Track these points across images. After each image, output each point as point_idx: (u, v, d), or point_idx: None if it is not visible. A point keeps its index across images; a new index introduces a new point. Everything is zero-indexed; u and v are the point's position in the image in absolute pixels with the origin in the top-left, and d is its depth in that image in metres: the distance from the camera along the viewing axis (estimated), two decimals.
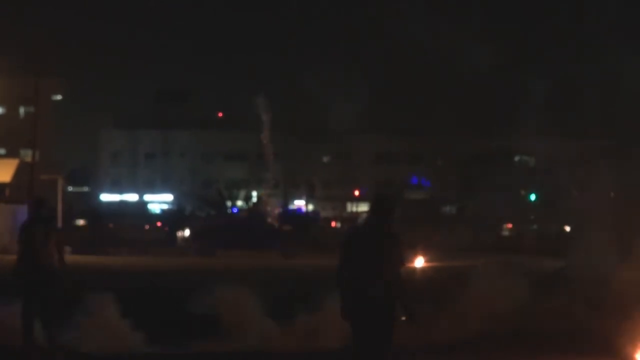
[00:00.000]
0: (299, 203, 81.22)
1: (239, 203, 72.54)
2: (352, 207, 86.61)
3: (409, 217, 50.81)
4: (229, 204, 66.76)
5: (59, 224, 42.70)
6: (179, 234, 50.90)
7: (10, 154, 58.85)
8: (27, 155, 46.23)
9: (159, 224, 54.71)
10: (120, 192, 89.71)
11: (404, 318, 9.25)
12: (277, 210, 55.68)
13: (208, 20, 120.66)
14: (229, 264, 34.24)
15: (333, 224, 64.58)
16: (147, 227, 53.62)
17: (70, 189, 62.43)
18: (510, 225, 62.78)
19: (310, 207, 79.57)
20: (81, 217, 48.31)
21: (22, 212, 33.97)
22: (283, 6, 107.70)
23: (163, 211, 71.63)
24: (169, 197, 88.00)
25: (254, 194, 71.04)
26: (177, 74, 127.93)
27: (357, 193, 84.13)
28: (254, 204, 62.74)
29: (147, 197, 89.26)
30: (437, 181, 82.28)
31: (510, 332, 13.95)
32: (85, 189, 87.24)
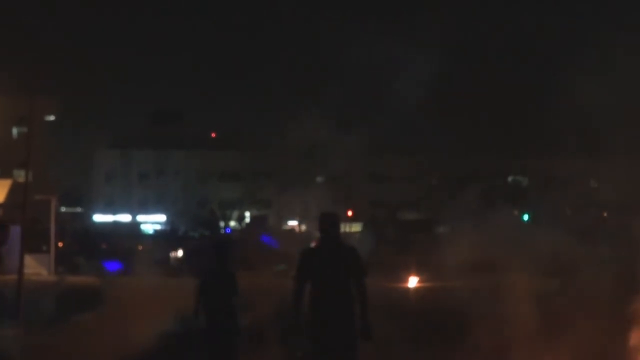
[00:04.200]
0: (292, 223, 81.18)
1: (232, 223, 72.39)
2: (345, 228, 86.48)
3: (403, 237, 50.71)
4: (222, 224, 66.69)
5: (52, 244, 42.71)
6: (172, 254, 50.78)
7: (3, 175, 58.70)
8: (21, 175, 46.14)
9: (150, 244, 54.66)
10: (114, 212, 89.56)
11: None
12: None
13: (202, 40, 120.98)
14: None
15: None
16: (140, 247, 53.45)
17: (63, 209, 62.34)
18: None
19: (304, 227, 79.46)
20: (74, 238, 48.25)
21: (16, 232, 33.84)
22: (280, 28, 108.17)
23: (156, 231, 71.43)
24: (162, 217, 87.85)
25: (247, 214, 70.96)
26: (171, 94, 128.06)
27: (350, 213, 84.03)
28: (247, 224, 62.68)
29: (141, 217, 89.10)
30: (431, 201, 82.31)
31: None
32: (78, 209, 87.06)
